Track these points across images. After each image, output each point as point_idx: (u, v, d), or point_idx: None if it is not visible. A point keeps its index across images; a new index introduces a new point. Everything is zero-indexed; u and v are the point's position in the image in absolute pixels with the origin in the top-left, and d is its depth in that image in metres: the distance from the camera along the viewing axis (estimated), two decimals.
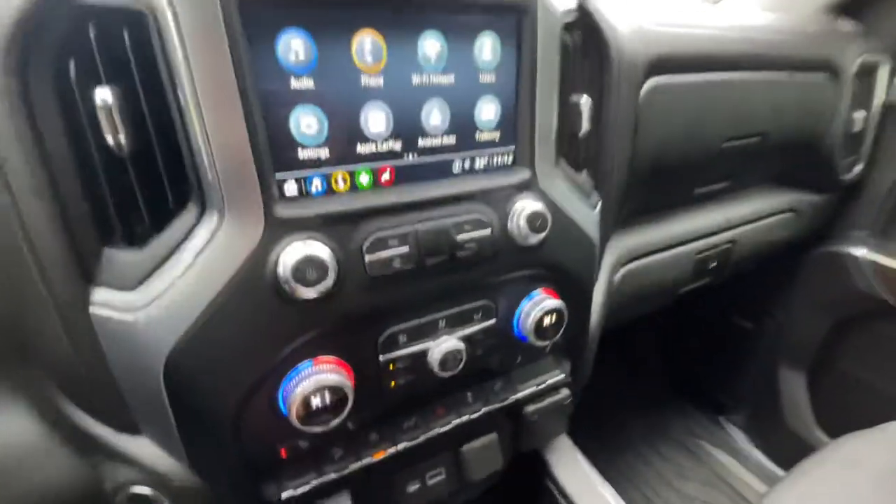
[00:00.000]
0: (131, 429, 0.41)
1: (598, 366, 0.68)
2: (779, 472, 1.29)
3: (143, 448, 0.41)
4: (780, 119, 0.83)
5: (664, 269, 0.81)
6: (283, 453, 0.42)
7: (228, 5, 0.31)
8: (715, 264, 0.89)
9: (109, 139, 0.33)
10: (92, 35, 0.32)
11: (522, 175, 0.47)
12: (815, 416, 1.24)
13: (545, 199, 0.48)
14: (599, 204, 0.59)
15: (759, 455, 1.34)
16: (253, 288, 0.36)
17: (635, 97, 0.60)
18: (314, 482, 0.45)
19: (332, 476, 0.46)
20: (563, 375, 0.59)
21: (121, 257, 0.36)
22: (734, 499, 1.23)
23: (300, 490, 0.44)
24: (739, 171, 0.87)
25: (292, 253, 0.36)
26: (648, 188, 0.72)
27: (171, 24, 0.31)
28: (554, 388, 0.59)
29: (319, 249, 0.37)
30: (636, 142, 0.63)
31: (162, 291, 0.36)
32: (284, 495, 0.43)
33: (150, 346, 0.36)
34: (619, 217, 0.71)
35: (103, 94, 0.32)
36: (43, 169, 0.32)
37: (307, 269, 0.36)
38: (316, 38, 0.36)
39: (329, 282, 0.37)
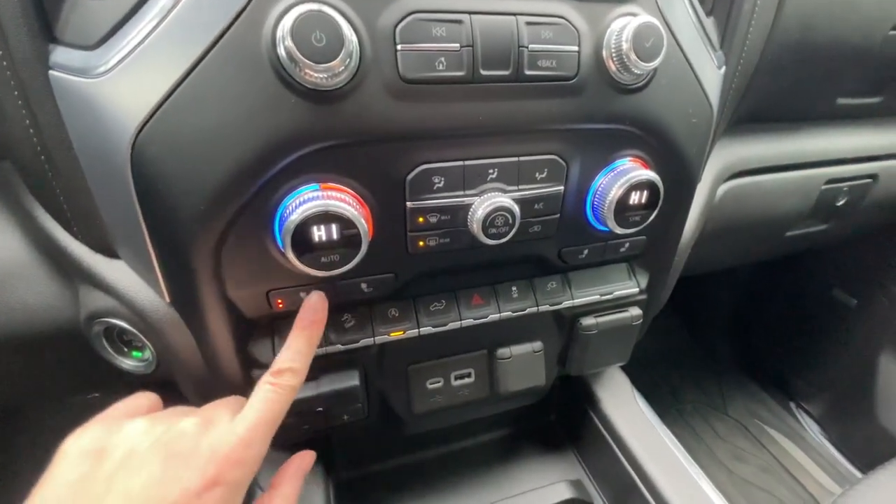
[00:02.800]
0: (108, 250, 0.34)
1: (655, 320, 0.54)
2: (854, 471, 1.11)
3: (120, 273, 0.34)
4: None
5: (778, 194, 0.63)
6: (279, 304, 0.34)
7: None
8: (845, 201, 0.70)
9: None
10: None
11: None
12: None
13: (659, 16, 0.34)
14: (724, 68, 0.43)
15: (832, 450, 1.16)
16: (246, 56, 0.26)
17: None
18: (317, 350, 0.36)
19: (339, 347, 0.37)
20: (636, 289, 0.47)
21: (89, 6, 0.27)
22: (797, 491, 1.07)
23: None
24: None
25: (296, 11, 0.25)
26: (782, 81, 0.54)
27: None
28: (623, 304, 0.47)
29: (334, 13, 0.26)
30: (778, 15, 0.46)
31: (129, 52, 0.27)
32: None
33: (114, 123, 0.27)
34: (736, 113, 0.54)
35: None
36: None
37: (314, 33, 0.25)
38: None
39: (346, 60, 0.26)
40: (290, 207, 0.29)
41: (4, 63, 0.28)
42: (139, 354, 0.38)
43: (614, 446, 0.51)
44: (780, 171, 0.62)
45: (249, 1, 0.26)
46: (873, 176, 0.70)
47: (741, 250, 0.75)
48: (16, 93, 0.29)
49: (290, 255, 0.29)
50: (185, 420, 0.29)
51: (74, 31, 0.28)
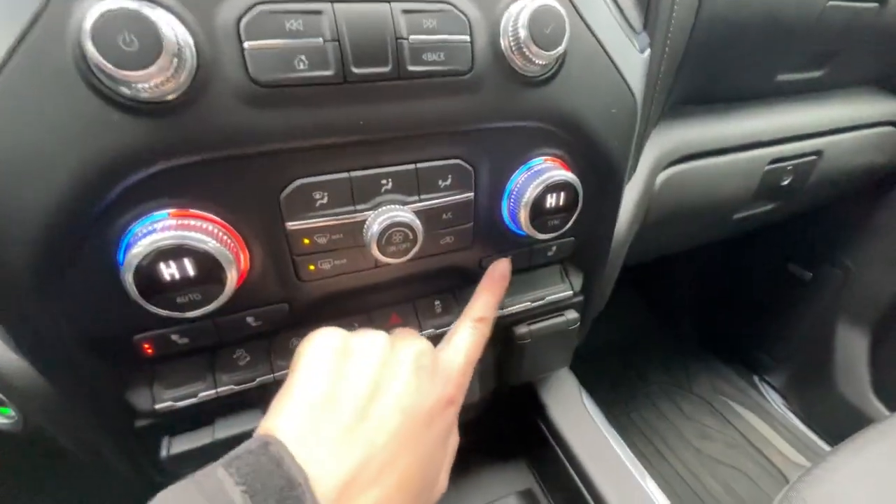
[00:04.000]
0: None
1: (618, 306, 0.52)
2: (818, 441, 1.13)
3: None
4: None
5: (721, 178, 0.62)
6: (147, 348, 0.30)
7: None
8: (790, 180, 0.69)
9: None
10: None
11: None
12: (874, 384, 1.06)
13: (567, 3, 0.31)
14: (648, 51, 0.40)
15: (796, 422, 1.18)
16: (51, 66, 0.22)
17: None
18: (205, 393, 0.32)
19: (233, 388, 0.33)
20: (570, 292, 0.44)
21: None
22: (763, 465, 1.09)
23: (184, 402, 0.31)
24: (841, 54, 0.64)
25: (98, 6, 0.21)
26: (715, 60, 0.52)
27: None
28: (558, 307, 0.44)
29: (148, 8, 0.21)
30: None
31: None
32: (159, 406, 0.31)
33: None
34: (671, 97, 0.52)
35: None
36: None
37: (121, 35, 0.21)
38: None
39: (171, 64, 0.22)
40: (133, 240, 0.25)
41: None
42: (6, 410, 0.33)
43: (559, 452, 0.49)
44: (721, 154, 0.60)
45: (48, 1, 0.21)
46: (818, 152, 0.69)
47: (688, 235, 0.73)
48: None
49: (136, 297, 0.25)
50: (411, 338, 0.29)
51: None
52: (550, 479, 0.53)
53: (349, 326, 0.36)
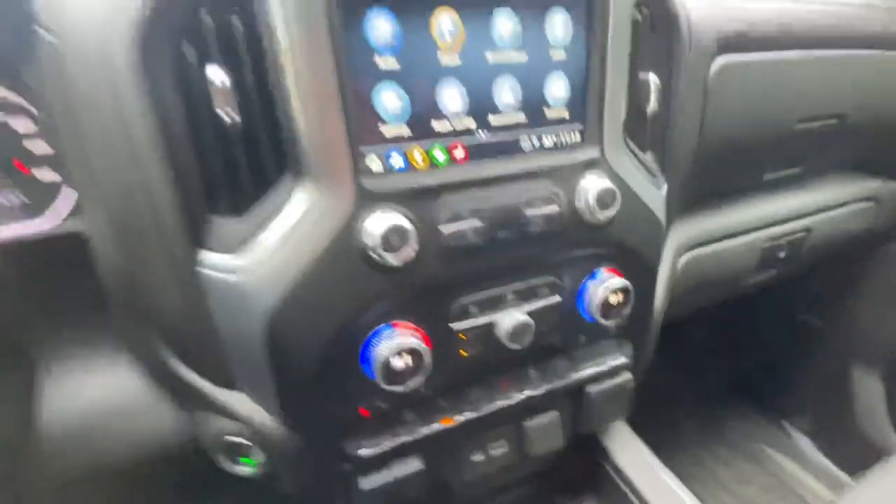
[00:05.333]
0: (229, 384, 0.45)
1: (652, 361, 0.67)
2: (846, 478, 1.20)
3: (239, 402, 0.45)
4: (862, 100, 0.78)
5: (729, 257, 0.78)
6: (365, 412, 0.45)
7: None
8: (784, 254, 0.84)
9: (220, 112, 0.36)
10: (204, 20, 0.35)
11: (591, 153, 0.48)
12: (892, 421, 1.15)
13: (613, 176, 0.48)
14: (665, 186, 0.58)
15: (824, 460, 1.26)
16: (344, 254, 0.39)
17: (704, 76, 0.59)
18: (388, 444, 0.47)
19: (405, 439, 0.48)
20: (625, 359, 0.59)
21: (225, 223, 0.40)
22: None
23: (377, 449, 0.46)
24: (814, 155, 0.82)
25: (380, 223, 0.38)
26: (715, 171, 0.70)
27: (278, 7, 0.34)
28: (616, 371, 0.59)
29: (403, 220, 0.39)
30: (704, 122, 0.61)
31: (263, 256, 0.39)
32: (363, 453, 0.46)
33: (252, 306, 0.39)
34: (684, 201, 0.69)
35: (214, 71, 0.35)
36: (163, 141, 0.36)
37: (393, 238, 0.38)
38: (399, 18, 0.38)
39: (410, 250, 0.39)
40: (374, 343, 0.41)
41: (167, 262, 0.40)
42: (250, 461, 0.48)
43: (626, 490, 0.62)
44: (726, 239, 0.77)
45: (349, 219, 0.39)
46: (807, 230, 0.86)
47: (707, 299, 0.89)
48: (172, 285, 0.41)
49: (379, 380, 0.41)
50: None
51: (217, 241, 0.40)
52: None
53: (475, 392, 0.51)
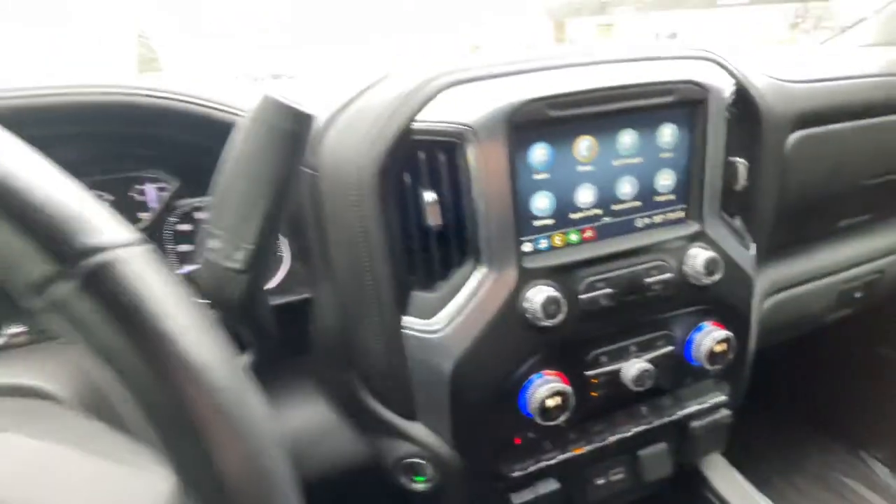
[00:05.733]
0: (411, 416, 0.58)
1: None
2: None
3: (419, 430, 0.58)
4: None
5: (809, 299, 0.85)
6: (518, 441, 0.57)
7: (508, 135, 0.48)
8: (860, 295, 0.90)
9: (429, 221, 0.50)
10: (419, 157, 0.50)
11: (694, 228, 0.59)
12: None
13: (713, 246, 0.59)
14: (753, 245, 0.67)
15: None
16: (509, 319, 0.52)
17: (782, 150, 0.69)
18: (533, 467, 0.58)
19: (546, 464, 0.59)
20: (724, 397, 0.68)
21: (422, 296, 0.54)
22: None
23: (525, 471, 0.58)
24: (882, 203, 0.89)
25: (539, 294, 0.51)
26: (793, 224, 0.78)
27: (476, 148, 0.48)
28: (715, 408, 0.68)
29: (554, 291, 0.51)
30: (783, 187, 0.71)
31: (450, 320, 0.52)
32: (515, 474, 0.58)
33: (441, 358, 0.52)
34: (767, 252, 0.78)
35: (430, 196, 0.49)
36: (388, 238, 0.51)
37: (550, 307, 0.51)
38: (552, 146, 0.51)
39: (561, 315, 0.51)
40: (532, 389, 0.53)
41: (378, 324, 0.54)
42: (422, 479, 0.61)
43: None
44: (805, 283, 0.84)
45: (513, 291, 0.51)
46: (880, 271, 0.91)
47: (787, 339, 0.95)
48: (382, 341, 0.54)
49: (535, 416, 0.52)
50: None
51: (415, 309, 0.54)
52: None
53: (599, 426, 0.62)
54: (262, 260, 0.31)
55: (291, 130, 0.31)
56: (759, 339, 0.79)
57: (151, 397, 0.18)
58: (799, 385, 1.49)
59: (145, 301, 0.18)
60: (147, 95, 0.46)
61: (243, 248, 0.30)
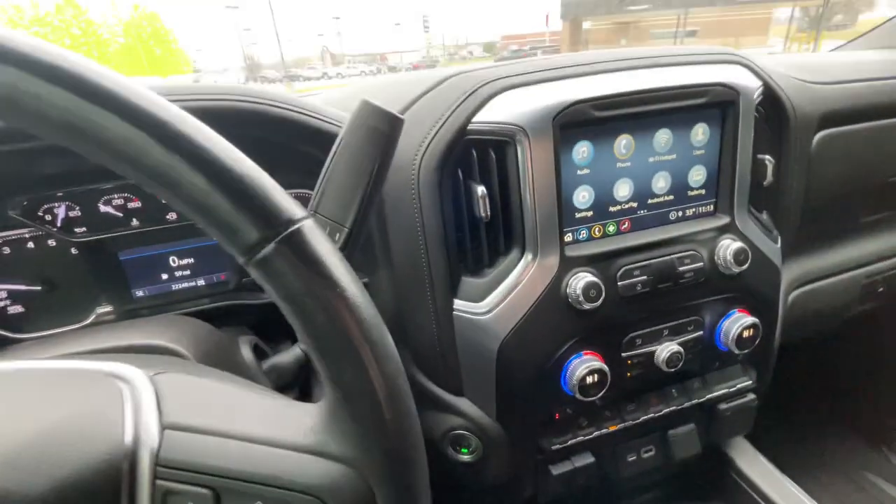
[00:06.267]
0: (458, 392, 0.63)
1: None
2: None
3: (466, 405, 0.63)
4: None
5: (832, 293, 0.88)
6: (557, 416, 0.62)
7: (555, 134, 0.53)
8: (883, 289, 0.92)
9: (480, 213, 0.55)
10: (473, 154, 0.55)
11: (723, 220, 0.63)
12: None
13: (742, 237, 0.63)
14: (780, 238, 0.71)
15: None
16: (552, 302, 0.57)
17: (808, 149, 0.72)
18: (570, 441, 0.63)
19: (582, 438, 0.64)
20: (750, 381, 0.71)
21: (471, 281, 0.59)
22: None
23: (563, 444, 0.63)
24: None
25: (580, 280, 0.55)
26: (818, 219, 0.81)
27: (526, 146, 0.53)
28: (742, 392, 0.71)
29: (594, 277, 0.56)
30: (809, 184, 0.74)
31: (497, 304, 0.57)
32: (553, 447, 0.62)
33: (488, 338, 0.57)
34: (793, 246, 0.81)
35: (481, 189, 0.54)
36: (442, 228, 0.56)
37: (590, 291, 0.55)
38: (594, 144, 0.56)
39: (600, 300, 0.56)
40: (572, 367, 0.58)
41: (431, 307, 0.59)
42: (466, 451, 0.66)
43: (752, 494, 0.73)
44: (829, 277, 0.87)
45: (556, 278, 0.56)
46: None
47: (812, 332, 0.98)
48: (434, 322, 0.60)
49: (575, 393, 0.57)
50: None
51: (465, 293, 0.59)
52: None
53: (631, 405, 0.66)
54: (357, 241, 0.37)
55: (385, 131, 0.36)
56: (784, 333, 0.82)
57: (323, 329, 0.24)
58: (820, 380, 1.51)
59: (321, 256, 0.24)
60: (274, 105, 0.51)
61: (344, 229, 0.36)
